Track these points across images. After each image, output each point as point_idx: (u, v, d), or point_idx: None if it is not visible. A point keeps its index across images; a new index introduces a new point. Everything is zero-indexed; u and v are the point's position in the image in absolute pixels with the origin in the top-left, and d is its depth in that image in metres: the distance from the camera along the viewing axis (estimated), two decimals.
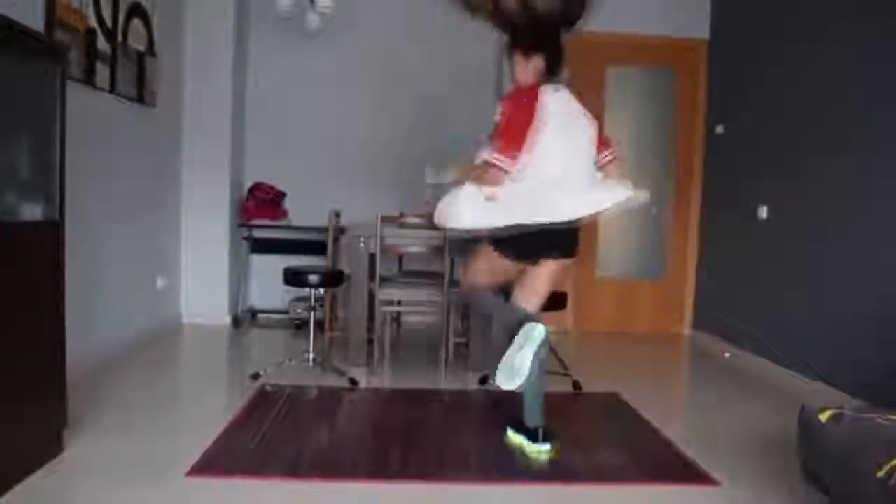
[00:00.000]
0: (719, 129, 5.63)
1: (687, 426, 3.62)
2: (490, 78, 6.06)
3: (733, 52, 5.52)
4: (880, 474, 2.00)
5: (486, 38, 6.03)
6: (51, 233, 2.75)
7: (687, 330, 6.05)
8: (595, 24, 5.68)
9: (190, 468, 2.76)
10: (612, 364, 5.09)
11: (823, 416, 2.32)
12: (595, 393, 4.11)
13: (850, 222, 3.99)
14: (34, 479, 2.59)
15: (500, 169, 2.85)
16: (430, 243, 4.47)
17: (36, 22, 3.38)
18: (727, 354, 5.17)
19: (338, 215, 4.94)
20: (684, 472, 2.96)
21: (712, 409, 3.99)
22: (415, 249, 4.58)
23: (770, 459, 3.09)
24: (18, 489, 2.50)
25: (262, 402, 3.67)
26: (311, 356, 4.22)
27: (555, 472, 2.93)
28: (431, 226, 4.39)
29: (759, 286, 4.90)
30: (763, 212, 4.86)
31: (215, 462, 2.86)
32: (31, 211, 2.63)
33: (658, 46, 5.92)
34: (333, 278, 4.29)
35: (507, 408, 3.56)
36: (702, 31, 5.90)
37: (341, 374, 4.17)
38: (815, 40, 4.39)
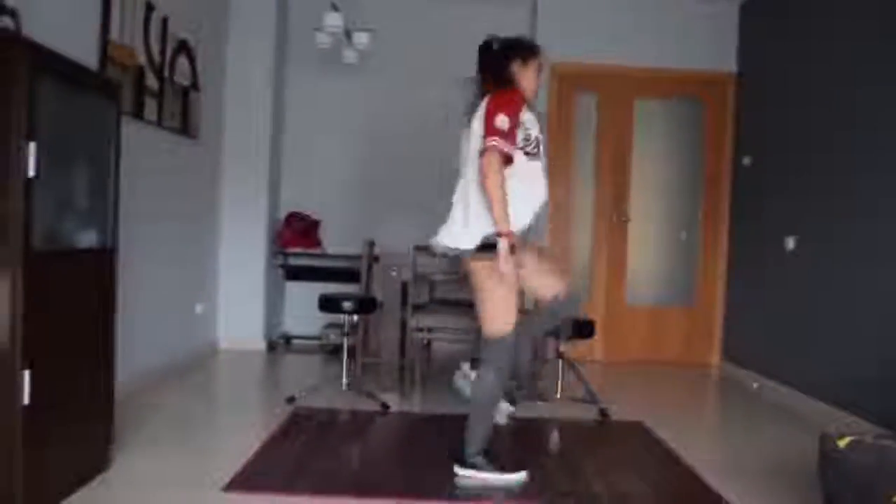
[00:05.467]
0: (746, 160, 5.70)
1: (711, 455, 3.66)
2: None
3: (760, 85, 5.60)
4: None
5: None
6: (105, 259, 2.92)
7: (716, 359, 6.07)
8: (624, 58, 5.93)
9: (227, 484, 2.89)
10: (640, 393, 5.13)
11: (842, 443, 2.38)
12: (620, 421, 4.17)
13: (876, 254, 4.03)
14: (84, 491, 2.74)
15: None
16: (462, 272, 4.58)
17: (90, 60, 3.59)
18: (755, 384, 5.19)
19: (372, 244, 5.09)
20: (705, 500, 3.00)
21: (737, 439, 4.04)
22: (446, 278, 4.69)
23: (793, 487, 3.13)
24: (69, 501, 2.64)
25: (297, 424, 3.80)
26: (345, 381, 4.34)
27: (577, 498, 2.99)
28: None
29: (788, 316, 4.93)
30: (790, 243, 4.90)
31: (251, 479, 2.98)
32: (89, 238, 2.80)
33: (686, 79, 6.04)
34: (367, 305, 4.42)
35: (533, 432, 3.65)
36: (729, 65, 6.00)
37: (373, 398, 4.28)
38: (843, 73, 4.46)
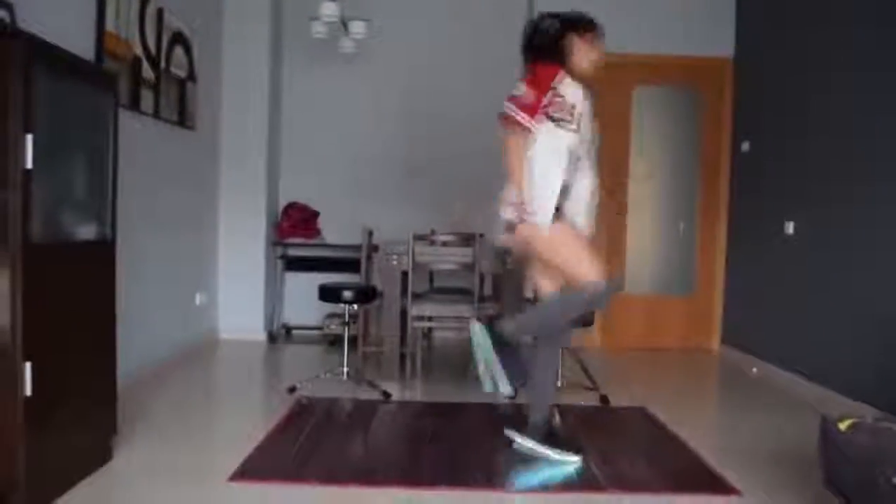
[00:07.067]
0: (745, 146, 5.69)
1: (712, 438, 3.68)
2: None
3: (758, 70, 5.59)
4: None
5: (518, 62, 6.19)
6: (104, 251, 2.93)
7: (716, 345, 6.09)
8: (622, 45, 5.90)
9: (232, 474, 2.90)
10: (641, 379, 5.14)
11: (843, 425, 2.39)
12: (622, 407, 4.19)
13: (875, 237, 4.03)
14: (86, 483, 2.75)
15: None
16: (461, 260, 4.60)
17: (87, 52, 3.58)
18: (755, 369, 5.21)
19: (370, 234, 5.10)
20: (707, 482, 3.03)
21: (738, 422, 4.05)
22: (446, 266, 4.70)
23: (793, 469, 3.14)
24: (72, 493, 2.65)
25: (299, 413, 3.81)
26: (346, 370, 4.35)
27: (581, 481, 3.01)
28: (462, 243, 4.55)
29: (786, 301, 4.94)
30: (789, 227, 4.91)
31: (256, 468, 3.00)
32: (87, 230, 2.80)
33: (684, 66, 6.02)
34: (367, 294, 4.43)
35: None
36: (726, 50, 5.98)
37: (374, 387, 4.29)
38: (840, 55, 4.45)
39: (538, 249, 3.18)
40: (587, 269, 3.11)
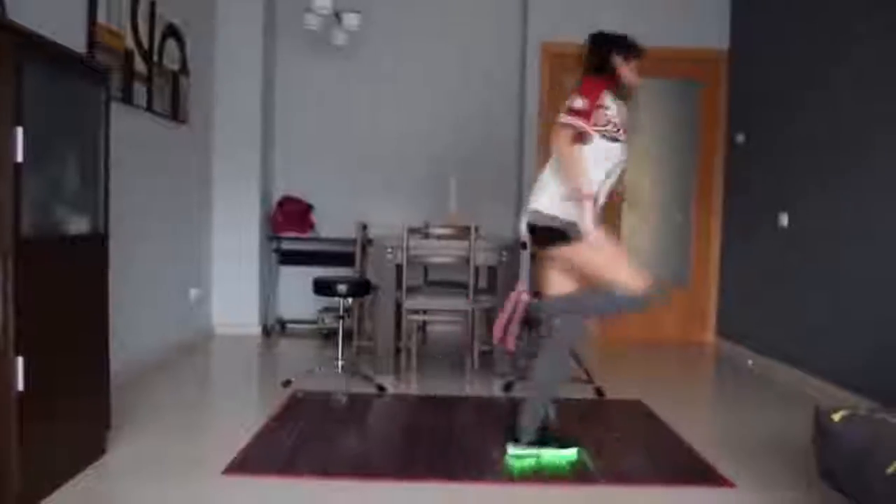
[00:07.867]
0: (739, 137, 5.69)
1: (707, 431, 3.69)
2: (514, 93, 6.19)
3: (753, 61, 5.58)
4: (890, 470, 2.07)
5: (511, 56, 6.18)
6: (97, 245, 2.91)
7: (710, 337, 6.10)
8: None
9: (226, 467, 2.90)
10: (636, 371, 5.15)
11: (836, 416, 2.39)
12: (618, 399, 4.19)
13: (869, 228, 4.04)
14: (81, 477, 2.75)
15: None
16: (457, 253, 4.60)
17: (78, 45, 3.56)
18: (750, 361, 5.22)
19: (364, 227, 5.09)
20: (702, 474, 3.03)
21: (733, 415, 4.06)
22: (441, 260, 4.69)
23: (788, 461, 3.15)
24: (66, 487, 2.64)
25: (294, 407, 3.80)
26: (340, 364, 4.35)
27: (576, 474, 3.01)
28: (457, 236, 4.55)
29: (781, 293, 4.94)
30: (784, 219, 4.91)
31: (251, 462, 2.99)
32: (80, 225, 2.78)
33: (679, 58, 6.00)
34: (361, 288, 4.42)
35: None
36: (722, 42, 5.97)
37: (369, 380, 4.28)
38: (833, 47, 4.45)
39: (579, 256, 3.21)
40: (626, 277, 3.20)
